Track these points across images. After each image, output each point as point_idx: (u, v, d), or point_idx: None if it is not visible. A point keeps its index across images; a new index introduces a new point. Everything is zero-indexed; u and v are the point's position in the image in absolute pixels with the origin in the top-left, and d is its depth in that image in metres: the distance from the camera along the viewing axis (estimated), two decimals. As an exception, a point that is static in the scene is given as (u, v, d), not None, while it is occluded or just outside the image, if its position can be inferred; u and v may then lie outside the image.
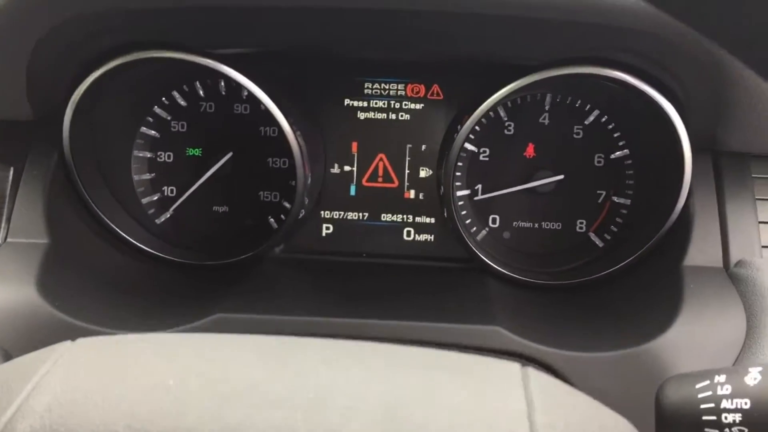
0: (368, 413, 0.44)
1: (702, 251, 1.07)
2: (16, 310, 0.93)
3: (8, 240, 1.05)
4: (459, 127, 1.19)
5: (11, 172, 1.09)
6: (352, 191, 1.34)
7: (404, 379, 0.48)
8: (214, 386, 0.46)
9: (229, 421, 0.43)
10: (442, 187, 1.22)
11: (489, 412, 0.45)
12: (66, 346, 0.51)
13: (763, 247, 1.08)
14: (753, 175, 1.13)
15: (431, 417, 0.44)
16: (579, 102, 1.27)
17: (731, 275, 1.03)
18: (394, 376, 0.49)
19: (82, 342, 0.52)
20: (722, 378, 0.66)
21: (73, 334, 0.95)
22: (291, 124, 1.15)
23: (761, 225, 1.09)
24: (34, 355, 0.52)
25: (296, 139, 1.16)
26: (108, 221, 1.19)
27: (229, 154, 1.30)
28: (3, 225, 1.06)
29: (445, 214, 1.23)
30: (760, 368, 0.64)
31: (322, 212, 1.34)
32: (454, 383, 0.48)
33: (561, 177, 1.28)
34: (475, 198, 1.31)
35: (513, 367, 0.51)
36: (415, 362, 0.51)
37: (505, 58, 1.15)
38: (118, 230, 1.20)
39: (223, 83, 1.30)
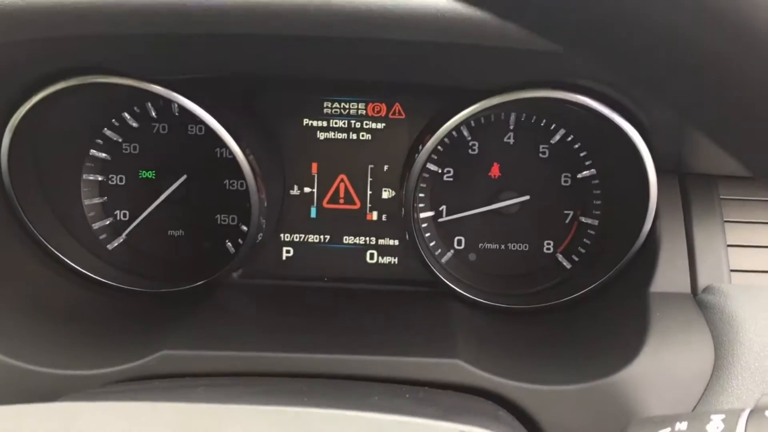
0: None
1: (669, 277, 1.04)
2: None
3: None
4: (421, 147, 1.15)
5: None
6: (313, 213, 1.30)
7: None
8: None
9: None
10: (402, 209, 1.18)
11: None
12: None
13: (732, 271, 1.05)
14: (721, 197, 1.10)
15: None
16: (544, 121, 1.24)
17: (699, 302, 1.00)
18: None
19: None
20: (683, 426, 0.62)
21: (10, 375, 0.90)
22: (243, 147, 1.11)
23: (730, 248, 1.06)
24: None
25: (248, 162, 1.12)
26: (53, 249, 1.14)
27: (184, 177, 1.25)
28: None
29: (407, 236, 1.19)
30: (722, 416, 0.61)
31: (282, 235, 1.30)
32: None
33: (527, 198, 1.24)
34: (440, 219, 1.27)
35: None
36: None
37: (463, 84, 1.11)
38: (65, 258, 1.15)
39: (176, 104, 1.25)
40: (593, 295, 1.14)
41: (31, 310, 1.04)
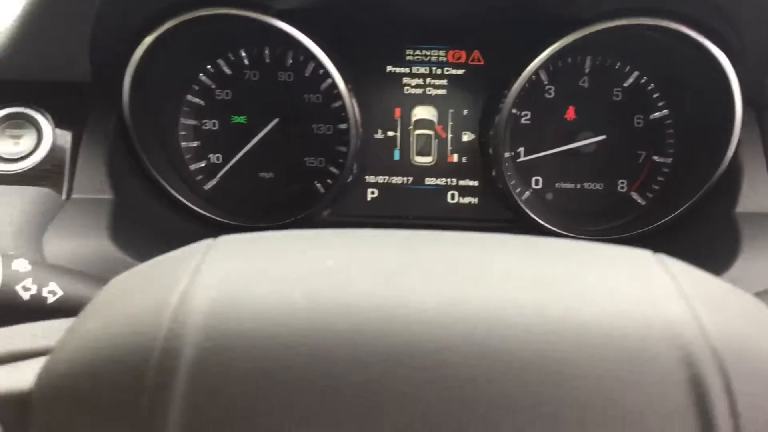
0: (524, 284, 0.46)
1: (753, 199, 1.10)
2: (93, 261, 0.93)
3: (73, 196, 1.06)
4: (506, 91, 1.22)
5: (71, 133, 1.10)
6: (396, 156, 1.36)
7: (545, 256, 0.50)
8: (375, 264, 0.47)
9: (400, 289, 0.44)
10: (490, 149, 1.24)
11: (634, 284, 0.47)
12: (209, 242, 0.53)
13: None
14: None
15: (581, 287, 0.46)
16: (619, 64, 1.30)
17: (787, 219, 1.06)
18: (535, 254, 0.51)
19: (226, 237, 0.53)
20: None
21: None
22: (349, 90, 1.18)
23: (809, 174, 1.12)
24: (177, 251, 0.53)
25: (352, 103, 1.19)
26: (165, 184, 1.21)
27: (276, 120, 1.32)
28: (66, 183, 1.07)
29: (494, 173, 1.25)
30: None
31: (367, 177, 1.36)
32: (593, 261, 0.50)
33: (603, 137, 1.30)
34: (518, 160, 1.34)
35: (644, 252, 0.53)
36: (545, 246, 0.53)
37: (553, 9, 1.17)
38: (175, 193, 1.21)
39: (267, 51, 1.32)
40: (676, 224, 1.20)
41: (150, 232, 1.11)
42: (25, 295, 0.68)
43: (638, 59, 1.29)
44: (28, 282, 0.68)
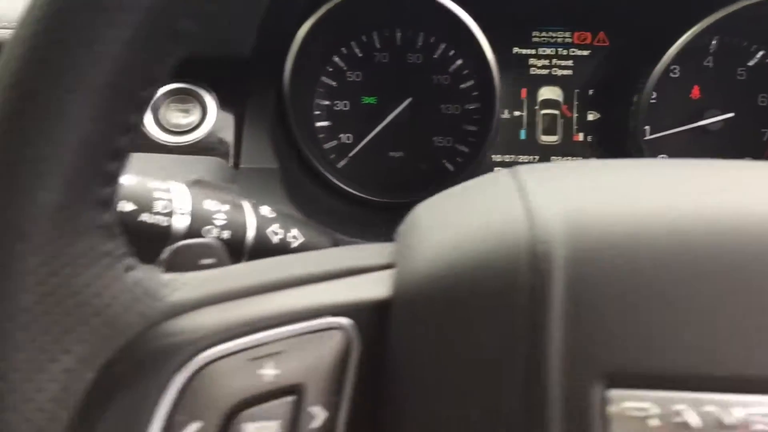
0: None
1: None
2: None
3: (241, 166, 1.10)
4: (647, 72, 1.25)
5: (234, 108, 1.14)
6: (522, 135, 1.39)
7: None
8: (701, 173, 0.50)
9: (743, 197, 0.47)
10: (629, 127, 1.27)
11: None
12: (504, 171, 0.55)
13: None
14: None
15: None
16: (745, 43, 1.33)
17: None
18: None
19: (522, 167, 0.56)
20: None
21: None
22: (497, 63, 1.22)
23: None
24: (473, 181, 0.56)
25: (498, 83, 1.23)
26: (312, 159, 1.24)
27: (408, 100, 1.35)
28: (231, 154, 1.11)
29: (632, 150, 1.28)
30: None
31: (493, 156, 1.39)
32: None
33: (731, 115, 1.33)
34: (645, 138, 1.36)
35: None
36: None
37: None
38: (321, 168, 1.25)
39: (399, 34, 1.36)
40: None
41: (310, 201, 1.15)
42: (275, 239, 0.72)
43: (764, 38, 1.31)
44: (275, 227, 0.72)
